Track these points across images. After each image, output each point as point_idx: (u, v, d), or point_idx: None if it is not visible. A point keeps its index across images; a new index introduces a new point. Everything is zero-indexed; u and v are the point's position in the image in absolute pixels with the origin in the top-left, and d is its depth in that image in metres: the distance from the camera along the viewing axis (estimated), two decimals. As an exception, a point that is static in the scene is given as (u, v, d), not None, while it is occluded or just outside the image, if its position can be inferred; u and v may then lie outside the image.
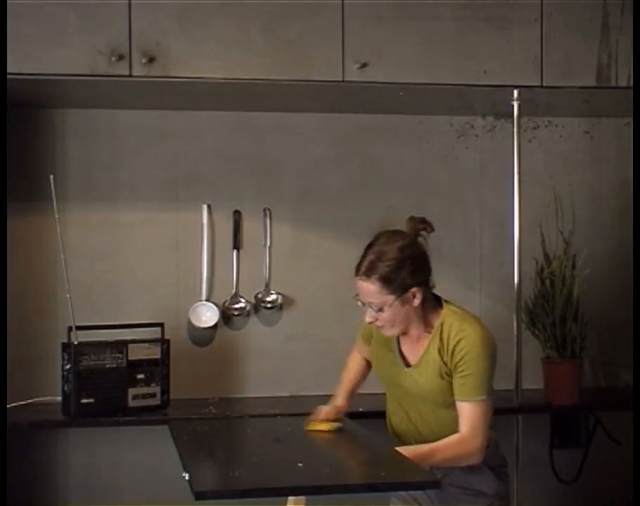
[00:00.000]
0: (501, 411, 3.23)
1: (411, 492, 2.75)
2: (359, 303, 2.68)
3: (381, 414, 2.88)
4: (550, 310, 3.36)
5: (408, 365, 2.73)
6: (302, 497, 2.33)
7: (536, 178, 3.57)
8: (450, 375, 2.64)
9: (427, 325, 2.70)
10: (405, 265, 2.61)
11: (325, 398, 3.40)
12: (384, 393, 2.88)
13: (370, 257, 2.64)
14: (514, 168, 3.35)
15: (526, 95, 3.31)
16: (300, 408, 3.24)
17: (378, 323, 2.67)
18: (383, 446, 2.64)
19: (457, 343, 2.62)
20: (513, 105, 3.34)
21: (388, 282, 2.60)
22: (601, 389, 3.67)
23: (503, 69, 3.22)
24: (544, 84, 3.25)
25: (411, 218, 2.73)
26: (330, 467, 2.39)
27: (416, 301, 2.63)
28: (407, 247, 2.64)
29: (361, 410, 3.17)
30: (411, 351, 2.74)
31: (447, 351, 2.64)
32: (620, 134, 3.72)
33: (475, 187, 3.69)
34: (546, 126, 3.70)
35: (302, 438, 2.77)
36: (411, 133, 3.65)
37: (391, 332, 2.70)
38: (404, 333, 2.72)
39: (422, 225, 2.71)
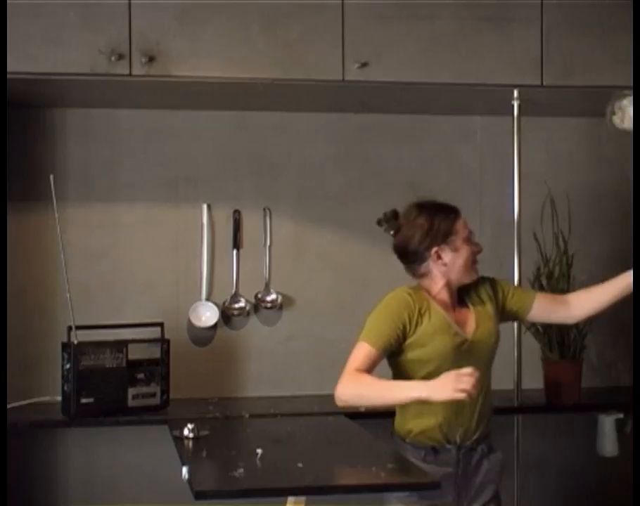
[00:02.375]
0: (501, 411, 3.23)
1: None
2: (478, 246, 2.82)
3: (381, 415, 2.87)
4: (550, 310, 3.36)
5: (468, 332, 2.75)
6: (302, 497, 2.32)
7: (536, 178, 3.56)
8: (502, 308, 2.83)
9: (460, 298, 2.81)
10: None
11: (325, 398, 3.41)
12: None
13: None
14: (514, 168, 3.35)
15: (526, 95, 3.31)
16: (300, 408, 3.25)
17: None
18: (383, 446, 2.64)
19: (490, 281, 2.84)
20: (513, 105, 3.34)
21: None
22: (601, 389, 3.67)
23: (503, 69, 3.22)
24: (544, 84, 3.25)
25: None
26: (330, 467, 2.39)
27: None
28: None
29: (362, 410, 3.17)
30: (461, 318, 2.77)
31: (491, 295, 2.82)
32: (620, 134, 3.71)
33: (475, 187, 3.69)
34: (546, 126, 3.70)
35: (302, 438, 2.77)
36: (411, 133, 3.65)
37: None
38: (445, 305, 2.77)
39: None
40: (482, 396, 2.71)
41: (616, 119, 3.34)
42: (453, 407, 2.67)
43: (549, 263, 3.40)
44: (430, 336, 2.68)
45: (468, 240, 2.78)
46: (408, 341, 2.69)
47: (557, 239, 3.42)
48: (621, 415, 3.38)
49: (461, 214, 2.79)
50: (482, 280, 2.84)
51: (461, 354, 2.69)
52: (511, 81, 3.25)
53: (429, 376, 2.64)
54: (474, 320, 2.77)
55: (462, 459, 2.74)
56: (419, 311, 2.69)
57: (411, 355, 2.70)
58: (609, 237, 3.73)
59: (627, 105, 3.28)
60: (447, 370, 2.59)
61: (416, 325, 2.69)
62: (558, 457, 3.67)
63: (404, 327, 2.68)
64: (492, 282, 2.85)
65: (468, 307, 2.79)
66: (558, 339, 3.36)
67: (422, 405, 2.66)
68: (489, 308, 2.79)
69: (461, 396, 2.46)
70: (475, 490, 2.76)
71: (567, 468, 3.67)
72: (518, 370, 3.36)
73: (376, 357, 2.64)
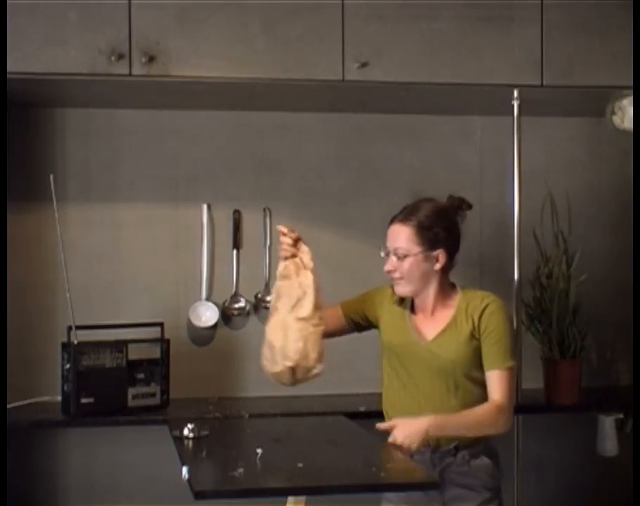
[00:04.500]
0: (501, 411, 3.23)
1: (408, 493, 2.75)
2: (382, 254, 2.76)
3: (382, 415, 2.87)
4: (550, 310, 3.36)
5: (424, 339, 2.77)
6: (302, 497, 2.32)
7: (536, 178, 3.56)
8: (479, 337, 2.71)
9: (445, 299, 2.77)
10: (440, 223, 2.73)
11: (325, 398, 3.41)
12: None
13: (410, 208, 2.76)
14: (514, 168, 3.35)
15: (526, 95, 3.31)
16: (300, 408, 3.25)
17: (397, 274, 2.73)
18: (383, 446, 2.63)
19: (485, 308, 2.72)
20: (513, 105, 3.34)
21: (421, 230, 2.70)
22: (601, 389, 3.66)
23: (503, 69, 3.22)
24: (544, 84, 3.25)
25: (450, 197, 2.84)
26: (330, 467, 2.39)
27: (438, 266, 2.73)
28: (446, 211, 2.78)
29: (361, 409, 3.17)
30: (427, 325, 2.78)
31: (475, 319, 2.72)
32: (620, 134, 3.71)
33: (475, 187, 3.69)
34: (546, 126, 3.69)
35: (302, 438, 2.77)
36: (411, 133, 3.65)
37: (405, 289, 2.76)
38: (416, 309, 2.81)
39: (457, 202, 2.84)
40: (455, 404, 2.72)
41: (616, 119, 3.34)
42: (411, 414, 2.71)
43: (549, 263, 3.40)
44: (386, 324, 2.83)
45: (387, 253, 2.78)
46: (379, 324, 2.86)
47: (557, 239, 3.42)
48: (621, 415, 3.38)
49: (410, 228, 2.71)
50: (484, 301, 2.74)
51: (416, 355, 2.76)
52: (511, 81, 3.25)
53: (391, 361, 2.82)
54: (438, 331, 2.76)
55: (439, 463, 2.73)
56: (389, 300, 2.84)
57: (382, 338, 2.86)
58: (609, 237, 3.73)
59: (627, 105, 3.29)
60: (401, 363, 2.78)
61: (384, 312, 2.85)
62: (558, 457, 3.67)
63: (371, 305, 2.88)
64: (485, 313, 2.72)
65: (445, 316, 2.76)
66: (558, 339, 3.36)
67: (386, 406, 2.84)
68: (465, 328, 2.72)
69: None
70: (456, 497, 2.73)
71: (567, 468, 3.67)
72: (518, 370, 3.35)
73: (336, 310, 2.89)
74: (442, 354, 2.72)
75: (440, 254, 2.72)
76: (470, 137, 3.69)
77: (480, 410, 2.67)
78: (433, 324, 2.77)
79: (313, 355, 2.66)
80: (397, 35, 3.16)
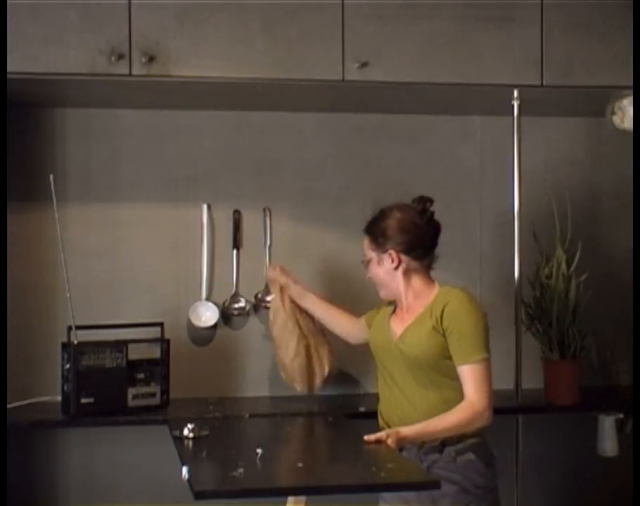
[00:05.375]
0: (501, 411, 3.23)
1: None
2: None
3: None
4: (550, 310, 3.36)
5: (395, 337, 2.87)
6: (302, 497, 2.33)
7: (536, 178, 3.56)
8: (443, 334, 2.75)
9: (419, 297, 2.85)
10: (391, 227, 2.85)
11: (325, 398, 3.41)
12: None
13: (370, 218, 2.94)
14: (514, 168, 3.35)
15: (526, 95, 3.31)
16: (300, 408, 3.25)
17: (373, 280, 2.94)
18: (383, 446, 2.64)
19: (445, 306, 2.77)
20: (513, 105, 3.34)
21: (373, 238, 2.89)
22: (601, 389, 3.66)
23: (503, 69, 3.22)
24: (544, 84, 3.25)
25: (414, 199, 2.94)
26: (330, 467, 2.39)
27: (393, 265, 2.84)
28: (402, 215, 2.88)
29: (362, 409, 3.17)
30: (400, 324, 2.88)
31: (437, 316, 2.77)
32: (620, 134, 3.72)
33: (475, 187, 3.69)
34: (546, 126, 3.69)
35: (302, 438, 2.77)
36: (411, 133, 3.65)
37: (382, 292, 2.94)
38: (397, 309, 2.93)
39: (419, 202, 2.91)
40: (434, 399, 2.77)
41: (616, 119, 3.35)
42: (396, 413, 2.81)
43: (549, 263, 3.40)
44: (373, 328, 2.98)
45: None
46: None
47: (557, 239, 3.42)
48: (621, 415, 3.38)
49: (365, 236, 2.94)
50: (446, 298, 2.80)
51: (390, 353, 2.85)
52: (511, 81, 3.25)
53: (378, 364, 2.94)
54: (405, 328, 2.84)
55: (425, 459, 2.75)
56: (386, 303, 2.99)
57: (369, 342, 3.01)
58: (609, 237, 3.73)
59: (627, 105, 3.29)
60: (383, 364, 2.89)
61: (377, 317, 3.01)
62: (558, 457, 3.67)
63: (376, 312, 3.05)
64: (445, 311, 2.77)
65: (416, 313, 2.84)
66: (558, 339, 3.36)
67: (380, 406, 2.92)
68: (427, 323, 2.79)
69: None
70: (445, 494, 2.70)
71: (567, 468, 3.67)
72: (518, 370, 3.36)
73: (360, 323, 3.12)
74: (406, 350, 2.80)
75: (392, 254, 2.84)
76: (470, 137, 3.69)
77: (455, 413, 2.71)
78: (405, 319, 2.86)
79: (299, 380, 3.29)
80: (397, 35, 3.16)
